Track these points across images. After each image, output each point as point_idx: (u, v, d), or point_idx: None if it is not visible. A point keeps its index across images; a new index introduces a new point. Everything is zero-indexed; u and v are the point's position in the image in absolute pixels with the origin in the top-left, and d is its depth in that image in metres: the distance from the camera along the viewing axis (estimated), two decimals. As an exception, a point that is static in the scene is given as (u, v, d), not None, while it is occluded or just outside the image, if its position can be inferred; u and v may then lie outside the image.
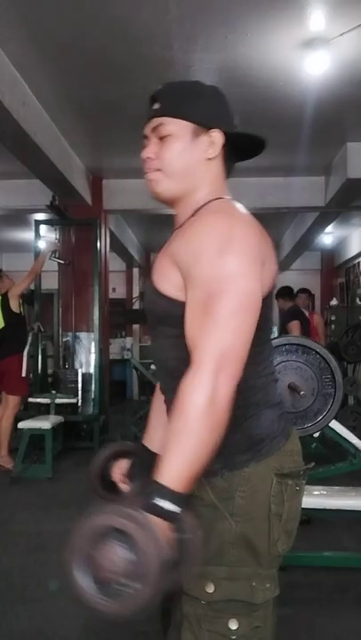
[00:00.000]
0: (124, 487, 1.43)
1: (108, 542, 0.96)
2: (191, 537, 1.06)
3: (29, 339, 6.09)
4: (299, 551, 3.01)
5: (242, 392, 1.13)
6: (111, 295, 8.32)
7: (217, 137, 1.25)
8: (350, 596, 2.95)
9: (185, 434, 1.03)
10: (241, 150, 1.32)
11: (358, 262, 10.29)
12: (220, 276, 1.08)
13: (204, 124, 1.25)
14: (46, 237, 7.03)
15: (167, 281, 1.19)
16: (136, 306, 11.89)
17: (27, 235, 9.22)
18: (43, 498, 4.71)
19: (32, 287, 6.66)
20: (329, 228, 9.40)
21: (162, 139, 1.25)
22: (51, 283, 7.42)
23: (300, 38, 4.04)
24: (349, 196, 6.96)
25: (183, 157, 1.25)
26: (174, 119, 1.25)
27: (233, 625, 1.15)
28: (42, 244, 6.73)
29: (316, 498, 2.94)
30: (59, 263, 7.12)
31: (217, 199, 1.24)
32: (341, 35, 3.91)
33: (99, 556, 0.96)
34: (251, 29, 3.99)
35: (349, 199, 7.11)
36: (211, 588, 1.16)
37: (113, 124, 5.56)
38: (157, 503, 0.99)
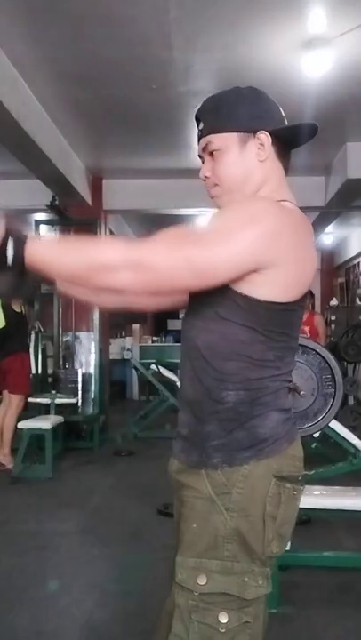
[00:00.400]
0: None
1: None
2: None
3: (32, 338, 6.09)
4: (299, 551, 3.02)
5: (253, 390, 1.16)
6: (111, 295, 8.30)
7: (264, 138, 1.27)
8: (350, 596, 2.95)
9: (76, 249, 1.16)
10: (293, 140, 1.34)
11: (358, 262, 10.29)
12: (229, 224, 1.16)
13: (248, 130, 1.27)
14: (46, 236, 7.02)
15: None
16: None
17: (27, 235, 9.20)
18: (43, 498, 4.71)
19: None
20: (329, 228, 9.40)
21: (212, 155, 1.29)
22: (51, 283, 7.40)
23: (300, 38, 4.04)
24: (349, 196, 6.96)
25: (237, 168, 1.28)
26: (219, 134, 1.27)
27: (223, 618, 1.16)
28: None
29: (316, 498, 2.94)
30: None
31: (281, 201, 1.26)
32: (342, 35, 3.92)
33: None
34: (251, 29, 3.99)
35: (349, 199, 7.11)
36: (203, 580, 1.17)
37: (113, 124, 5.56)
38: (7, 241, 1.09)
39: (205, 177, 1.31)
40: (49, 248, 1.16)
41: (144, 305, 1.61)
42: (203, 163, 1.32)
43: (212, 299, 1.20)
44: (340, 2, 3.64)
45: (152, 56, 4.32)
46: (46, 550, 3.55)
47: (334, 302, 9.62)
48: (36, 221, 7.17)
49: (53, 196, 6.59)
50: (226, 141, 1.27)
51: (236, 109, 1.28)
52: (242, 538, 1.18)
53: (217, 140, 1.27)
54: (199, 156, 1.33)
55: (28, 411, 6.21)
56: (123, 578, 3.17)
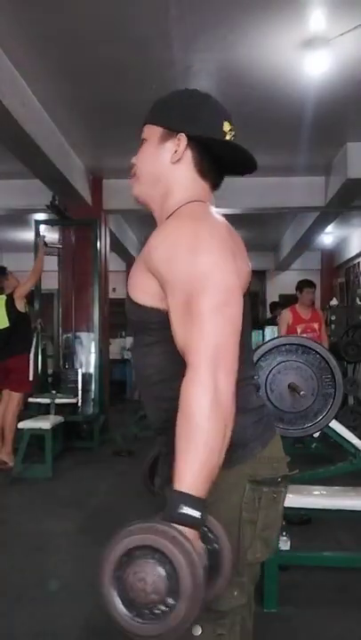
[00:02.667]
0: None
1: (138, 561, 0.93)
2: (220, 547, 1.04)
3: (34, 339, 6.09)
4: (299, 551, 3.02)
5: None
6: (111, 295, 8.31)
7: (181, 140, 1.24)
8: (350, 596, 2.95)
9: (195, 437, 1.00)
10: (227, 159, 1.29)
11: (358, 262, 10.29)
12: (196, 275, 1.08)
13: (171, 129, 1.25)
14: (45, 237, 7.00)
15: (140, 288, 1.19)
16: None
17: (27, 235, 9.20)
18: (43, 498, 4.71)
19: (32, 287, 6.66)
20: (329, 228, 9.40)
21: (141, 144, 1.30)
22: (51, 283, 7.42)
23: (300, 38, 4.04)
24: (349, 196, 6.96)
25: (150, 161, 1.28)
26: (148, 125, 1.29)
27: (196, 631, 1.13)
28: (40, 242, 6.69)
29: (316, 498, 2.94)
30: (58, 254, 7.10)
31: (188, 203, 1.23)
32: (341, 35, 3.91)
33: (131, 576, 0.93)
34: (251, 29, 3.99)
35: (349, 199, 7.11)
36: None
37: (113, 124, 5.56)
38: (182, 511, 0.97)
39: (132, 163, 1.32)
40: (193, 474, 1.00)
41: None
42: None
43: (150, 325, 1.19)
44: (340, 2, 3.64)
45: (152, 56, 4.32)
46: (46, 550, 3.55)
47: (334, 302, 9.62)
48: (36, 221, 7.17)
49: (53, 196, 6.59)
50: (152, 133, 1.28)
51: (170, 106, 1.28)
52: None
53: (146, 129, 1.29)
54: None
55: (28, 411, 6.22)
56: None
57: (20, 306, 5.80)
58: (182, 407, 1.03)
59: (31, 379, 5.78)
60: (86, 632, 2.60)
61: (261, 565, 2.79)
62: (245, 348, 1.20)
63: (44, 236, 6.79)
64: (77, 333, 7.24)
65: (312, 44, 4.06)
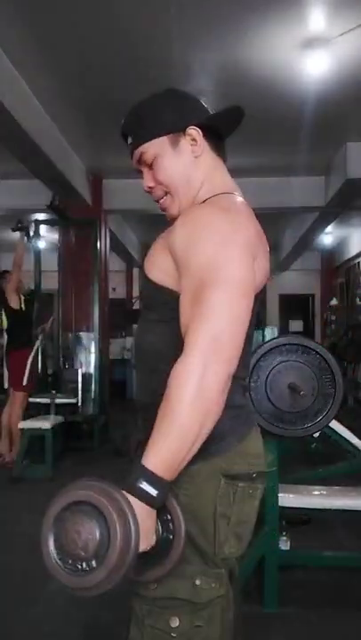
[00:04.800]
0: None
1: (82, 515, 0.97)
2: (174, 537, 1.06)
3: (36, 345, 5.99)
4: (299, 551, 3.02)
5: None
6: (111, 295, 8.32)
7: (194, 133, 1.26)
8: (350, 596, 2.95)
9: (169, 419, 1.02)
10: (223, 128, 1.32)
11: (358, 262, 10.29)
12: (212, 264, 1.09)
13: (176, 130, 1.26)
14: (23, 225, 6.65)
15: (156, 267, 1.21)
16: (136, 306, 11.88)
17: (27, 235, 9.19)
18: (43, 498, 4.66)
19: (32, 287, 6.65)
20: (329, 228, 9.41)
21: (151, 165, 1.28)
22: (51, 283, 7.42)
23: (300, 38, 4.05)
24: (349, 196, 6.96)
25: (176, 169, 1.27)
26: (149, 142, 1.27)
27: (173, 622, 1.15)
28: (17, 235, 6.39)
29: (316, 498, 2.94)
30: (27, 234, 6.40)
31: (221, 194, 1.24)
32: (341, 35, 3.92)
33: (70, 523, 0.97)
34: (251, 29, 3.99)
35: (349, 199, 7.11)
36: (154, 585, 1.15)
37: (113, 123, 5.46)
38: (140, 485, 1.00)
39: (149, 187, 1.30)
40: (161, 454, 1.02)
41: None
42: (142, 176, 1.31)
43: (158, 303, 1.21)
44: (340, 2, 3.64)
45: (152, 56, 4.32)
46: (46, 550, 3.54)
47: (334, 302, 9.63)
48: (36, 221, 7.17)
49: (53, 196, 6.59)
50: (158, 147, 1.26)
51: (159, 113, 1.27)
52: (191, 540, 1.15)
53: (150, 147, 1.27)
54: (138, 171, 1.32)
55: (28, 411, 6.21)
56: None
57: (14, 302, 5.74)
58: (168, 387, 1.04)
59: (25, 383, 5.71)
60: (86, 632, 2.60)
61: (261, 565, 2.80)
62: (243, 350, 1.20)
63: (22, 226, 6.41)
64: (77, 333, 7.24)
65: (312, 44, 4.07)
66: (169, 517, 1.07)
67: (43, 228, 7.22)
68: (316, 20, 3.81)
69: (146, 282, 1.23)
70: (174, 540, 1.07)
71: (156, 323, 1.23)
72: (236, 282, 1.10)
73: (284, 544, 2.94)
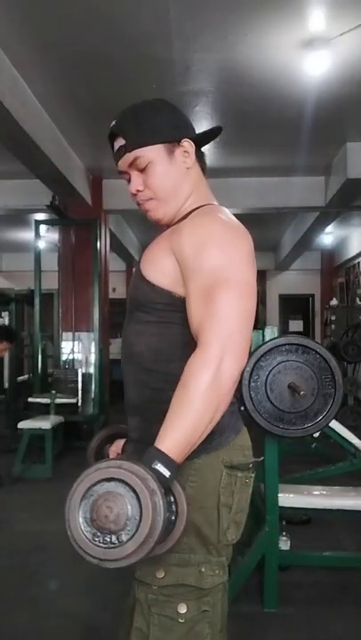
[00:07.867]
0: None
1: (114, 491, 1.02)
2: (176, 518, 1.11)
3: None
4: (299, 551, 3.02)
5: None
6: (111, 295, 8.31)
7: (188, 146, 1.33)
8: (350, 596, 2.95)
9: (186, 406, 1.08)
10: (206, 143, 1.40)
11: (358, 262, 10.29)
12: (223, 266, 1.17)
13: (172, 140, 1.32)
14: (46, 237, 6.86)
15: (157, 268, 1.26)
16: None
17: (27, 235, 9.22)
18: (43, 498, 4.70)
19: (32, 287, 6.65)
20: (329, 228, 9.40)
21: (143, 170, 1.32)
22: (51, 283, 7.42)
23: (300, 38, 4.04)
24: (349, 196, 6.96)
25: (169, 177, 1.32)
26: (146, 147, 1.30)
27: (182, 609, 1.20)
28: (41, 244, 6.48)
29: (316, 498, 2.94)
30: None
31: (207, 205, 1.31)
32: (341, 35, 3.92)
33: (102, 499, 1.02)
34: (251, 29, 3.99)
35: (349, 199, 7.11)
36: (161, 574, 1.21)
37: (113, 124, 5.55)
38: (155, 467, 1.05)
39: (137, 191, 1.34)
40: (175, 438, 1.08)
41: None
42: (128, 179, 1.35)
43: (151, 303, 1.26)
44: (340, 2, 3.64)
45: (152, 56, 4.31)
46: (46, 550, 3.55)
47: (334, 302, 9.63)
48: (36, 221, 7.18)
49: (53, 196, 6.59)
50: (155, 153, 1.30)
51: (157, 121, 1.32)
52: (197, 529, 1.22)
53: (147, 153, 1.30)
54: (121, 172, 1.37)
55: (29, 411, 6.21)
56: (123, 578, 3.16)
57: None
58: (183, 378, 1.10)
59: None
60: (86, 632, 2.60)
61: (261, 565, 2.80)
62: None
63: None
64: (77, 333, 7.24)
65: (312, 44, 4.06)
66: (173, 499, 1.12)
67: (43, 228, 7.22)
68: (316, 20, 3.81)
69: (142, 283, 1.27)
70: (177, 520, 1.11)
71: (151, 324, 1.27)
72: (244, 283, 1.18)
73: (284, 544, 2.94)
